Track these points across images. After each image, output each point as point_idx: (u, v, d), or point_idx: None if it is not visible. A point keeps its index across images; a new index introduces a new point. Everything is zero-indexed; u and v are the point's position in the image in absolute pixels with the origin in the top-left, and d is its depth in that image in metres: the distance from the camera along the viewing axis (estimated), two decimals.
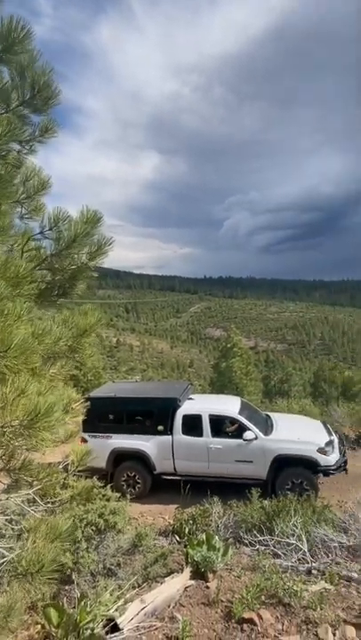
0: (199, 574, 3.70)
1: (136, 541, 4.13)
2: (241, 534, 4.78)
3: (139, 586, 3.58)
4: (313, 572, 3.82)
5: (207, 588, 3.49)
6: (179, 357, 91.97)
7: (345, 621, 2.89)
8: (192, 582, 3.62)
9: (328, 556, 4.06)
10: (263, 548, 4.41)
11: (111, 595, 3.12)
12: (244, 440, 6.86)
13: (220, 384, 25.52)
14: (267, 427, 7.43)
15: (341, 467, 6.85)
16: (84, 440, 7.29)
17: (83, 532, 3.71)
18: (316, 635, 2.80)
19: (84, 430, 7.26)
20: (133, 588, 3.43)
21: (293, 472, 6.74)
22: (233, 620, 3.03)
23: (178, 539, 5.03)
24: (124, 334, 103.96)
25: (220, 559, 3.74)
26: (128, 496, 5.02)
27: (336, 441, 7.16)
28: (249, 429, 6.92)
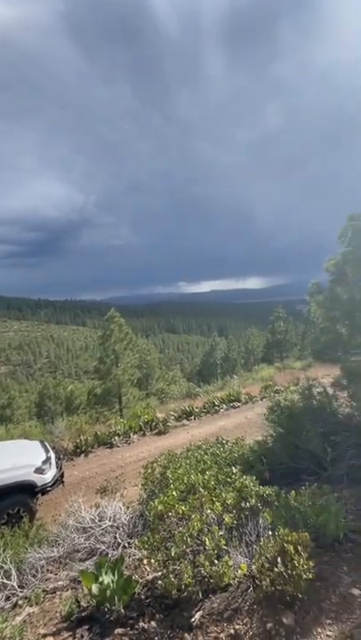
0: None
1: None
2: None
3: None
4: (19, 602, 3.64)
5: None
6: None
7: (44, 636, 2.92)
8: None
9: (35, 577, 4.00)
10: None
11: None
12: None
13: None
14: None
15: (58, 480, 7.06)
16: None
17: None
18: None
19: None
20: None
21: (8, 503, 6.29)
22: None
23: None
24: None
25: None
26: None
27: (53, 456, 7.32)
28: None
